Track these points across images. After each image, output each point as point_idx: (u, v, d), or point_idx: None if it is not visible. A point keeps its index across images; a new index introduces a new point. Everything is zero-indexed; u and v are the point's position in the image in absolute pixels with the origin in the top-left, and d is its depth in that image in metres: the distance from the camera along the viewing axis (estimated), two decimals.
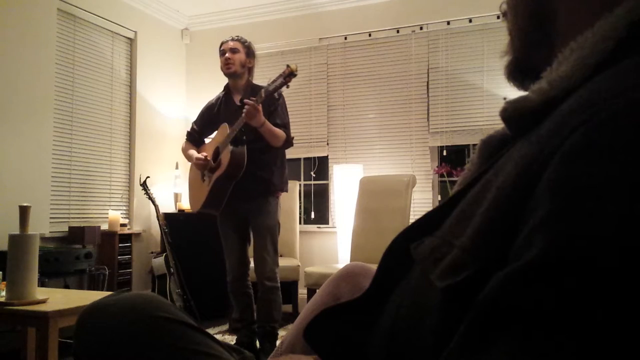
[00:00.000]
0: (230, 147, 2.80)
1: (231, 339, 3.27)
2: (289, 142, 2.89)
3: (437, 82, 4.32)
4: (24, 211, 2.03)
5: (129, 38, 4.62)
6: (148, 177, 4.09)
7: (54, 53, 3.90)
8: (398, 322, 0.56)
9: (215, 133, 3.06)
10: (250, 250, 3.01)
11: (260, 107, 2.69)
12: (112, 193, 4.44)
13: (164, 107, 4.91)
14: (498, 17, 4.03)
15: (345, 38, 4.62)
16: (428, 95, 4.34)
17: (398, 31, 4.44)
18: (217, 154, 2.91)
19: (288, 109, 3.02)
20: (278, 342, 3.03)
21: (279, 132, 2.83)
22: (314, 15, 4.71)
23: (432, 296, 0.49)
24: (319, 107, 4.68)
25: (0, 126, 3.51)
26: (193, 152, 3.05)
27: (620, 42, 0.46)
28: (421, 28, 4.37)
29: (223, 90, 3.07)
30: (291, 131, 2.96)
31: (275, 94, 2.80)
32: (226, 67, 2.94)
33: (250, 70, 3.01)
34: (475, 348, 0.38)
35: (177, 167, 4.90)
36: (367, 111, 4.53)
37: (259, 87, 2.91)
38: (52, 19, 3.89)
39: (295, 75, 2.64)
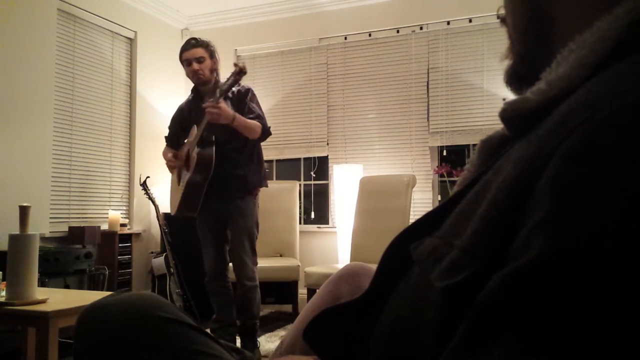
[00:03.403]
0: (197, 149, 2.83)
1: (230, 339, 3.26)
2: (266, 131, 2.90)
3: (437, 82, 4.32)
4: (24, 211, 2.03)
5: (129, 38, 4.62)
6: (148, 177, 4.10)
7: (54, 53, 3.90)
8: (398, 322, 0.56)
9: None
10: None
11: (222, 105, 2.71)
12: (112, 193, 4.44)
13: (164, 107, 4.91)
14: (498, 17, 4.03)
15: (345, 38, 4.62)
16: (428, 95, 4.34)
17: (398, 31, 4.44)
18: (188, 156, 2.94)
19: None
20: (277, 342, 3.04)
21: (254, 123, 2.84)
22: (314, 15, 4.71)
23: (431, 296, 0.49)
24: (319, 107, 4.68)
25: (0, 126, 3.51)
26: (169, 155, 3.09)
27: (619, 42, 0.46)
28: (421, 28, 4.37)
29: (192, 93, 3.08)
30: (266, 123, 2.98)
31: (234, 90, 2.86)
32: (197, 78, 2.94)
33: (216, 71, 2.99)
34: (476, 348, 0.38)
35: None
36: (367, 111, 4.53)
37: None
38: (52, 19, 3.89)
39: (245, 73, 2.69)
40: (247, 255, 2.92)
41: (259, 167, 2.99)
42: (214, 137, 2.83)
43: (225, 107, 2.73)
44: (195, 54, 2.91)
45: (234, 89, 2.89)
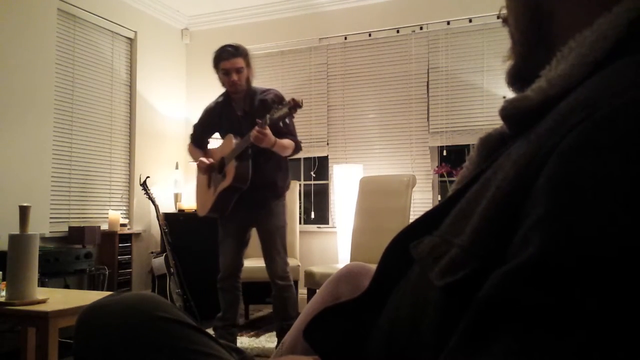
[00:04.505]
0: (234, 162, 2.82)
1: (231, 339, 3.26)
2: (298, 148, 2.96)
3: (437, 82, 4.32)
4: (24, 211, 2.03)
5: (129, 38, 4.62)
6: (148, 177, 4.10)
7: (54, 53, 3.90)
8: (397, 321, 0.56)
9: (214, 139, 3.13)
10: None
11: (267, 130, 2.68)
12: (112, 193, 4.44)
13: (164, 107, 4.91)
14: (498, 17, 4.03)
15: (345, 38, 4.62)
16: (428, 95, 4.34)
17: (398, 31, 4.44)
18: (222, 164, 2.94)
19: None
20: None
21: (288, 143, 2.87)
22: (314, 15, 4.71)
23: (431, 295, 0.49)
24: (319, 107, 4.68)
25: (0, 126, 3.51)
26: (198, 154, 3.10)
27: (619, 40, 0.46)
28: (421, 28, 4.37)
29: (222, 96, 3.04)
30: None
31: (267, 98, 2.87)
32: (234, 89, 2.88)
33: (250, 79, 2.97)
34: (475, 346, 0.38)
35: (177, 167, 4.90)
36: (367, 111, 4.53)
37: (257, 91, 2.95)
38: (52, 19, 3.89)
39: (300, 107, 2.61)
40: (279, 255, 2.95)
41: (285, 173, 3.02)
42: (250, 150, 2.82)
43: (270, 133, 2.70)
44: (235, 64, 2.83)
45: (266, 97, 2.88)
